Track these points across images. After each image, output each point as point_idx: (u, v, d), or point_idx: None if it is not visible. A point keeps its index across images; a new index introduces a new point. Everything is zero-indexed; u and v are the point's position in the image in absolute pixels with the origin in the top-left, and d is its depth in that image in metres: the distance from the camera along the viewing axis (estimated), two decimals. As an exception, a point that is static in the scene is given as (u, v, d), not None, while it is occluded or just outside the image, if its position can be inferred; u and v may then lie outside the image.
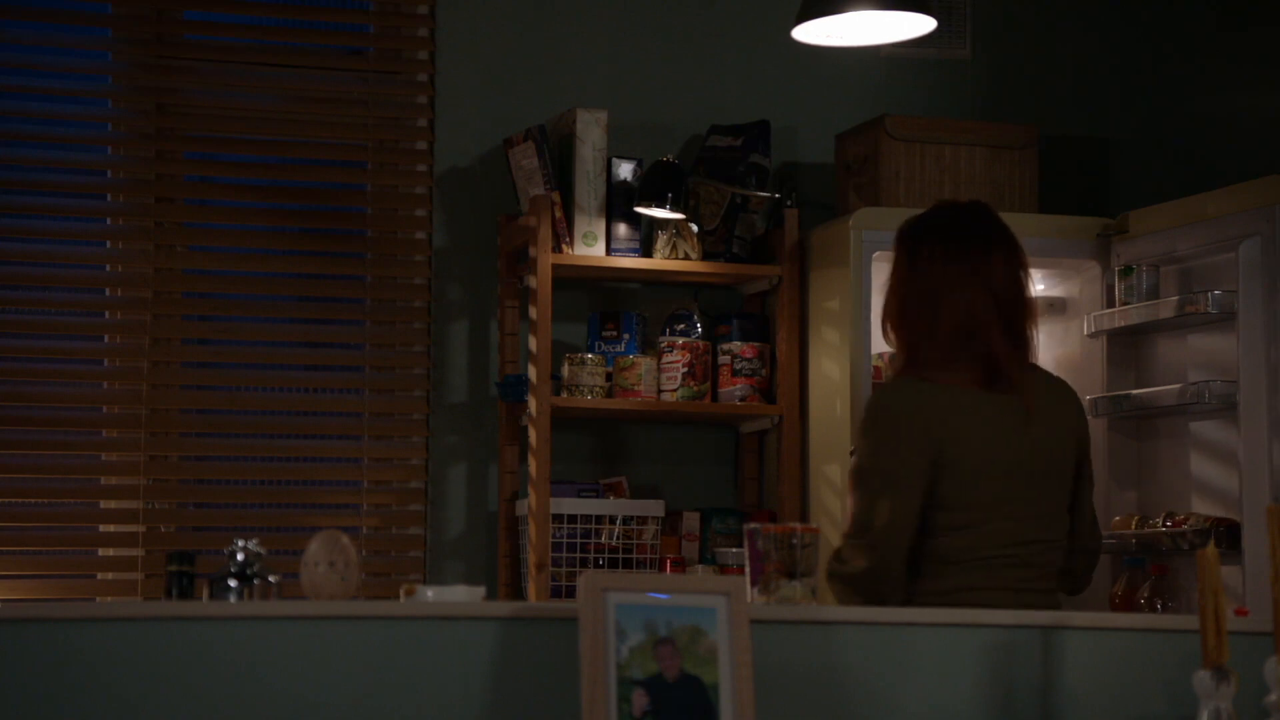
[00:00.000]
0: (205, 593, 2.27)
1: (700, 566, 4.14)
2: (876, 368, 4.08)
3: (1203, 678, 2.17)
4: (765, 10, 4.44)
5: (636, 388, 4.11)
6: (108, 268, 4.18)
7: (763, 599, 2.39)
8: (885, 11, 3.42)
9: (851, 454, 3.02)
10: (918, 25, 3.50)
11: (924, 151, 4.19)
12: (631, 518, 4.10)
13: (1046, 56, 4.70)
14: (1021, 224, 4.12)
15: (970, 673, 2.37)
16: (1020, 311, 2.94)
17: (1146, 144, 4.70)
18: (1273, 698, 2.19)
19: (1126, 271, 3.94)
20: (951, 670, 2.37)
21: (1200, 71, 4.61)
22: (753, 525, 2.47)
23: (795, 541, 2.40)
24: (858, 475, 2.89)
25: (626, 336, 4.20)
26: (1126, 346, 4.05)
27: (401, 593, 2.30)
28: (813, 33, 3.52)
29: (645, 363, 4.13)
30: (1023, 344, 2.94)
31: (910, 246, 2.99)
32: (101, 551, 4.08)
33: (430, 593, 2.27)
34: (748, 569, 2.43)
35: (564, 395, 4.07)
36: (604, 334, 4.21)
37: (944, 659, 2.37)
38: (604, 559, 4.06)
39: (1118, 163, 4.70)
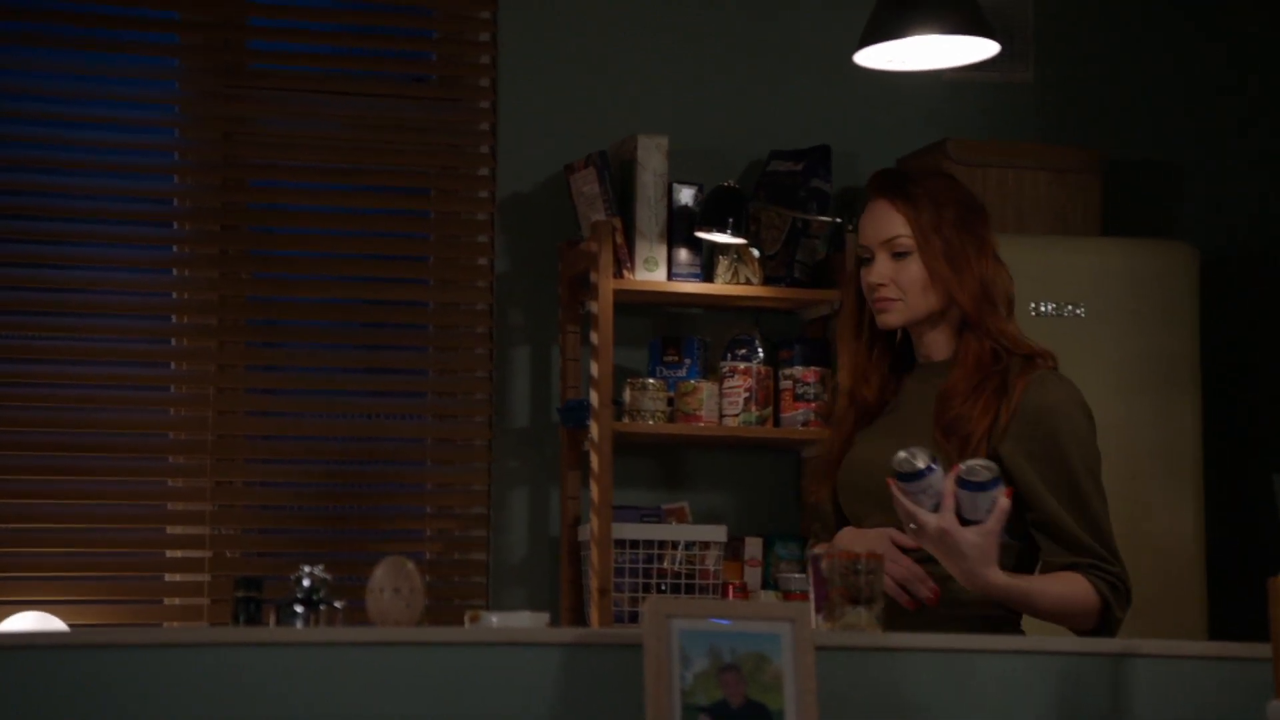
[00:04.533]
0: (272, 619, 2.29)
1: (763, 592, 4.13)
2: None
3: (1276, 707, 2.14)
4: (826, 35, 4.44)
5: (698, 413, 4.11)
6: (175, 295, 4.22)
7: (827, 625, 2.38)
8: (948, 36, 3.41)
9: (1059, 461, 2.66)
10: (981, 49, 3.49)
11: (986, 175, 4.18)
12: (694, 543, 4.10)
13: (1111, 79, 4.67)
14: (1085, 247, 4.13)
15: (1036, 701, 2.35)
16: None
17: (1214, 168, 4.66)
18: (1346, 727, 2.16)
19: None
20: (1017, 698, 2.35)
21: (1269, 94, 4.57)
22: (816, 551, 2.46)
23: (859, 567, 2.38)
24: (1095, 480, 2.67)
25: (688, 361, 4.20)
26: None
27: (466, 619, 2.31)
28: (875, 58, 3.51)
29: (707, 388, 4.13)
30: None
31: (987, 225, 2.79)
32: (168, 577, 4.11)
33: (495, 619, 2.28)
34: (811, 595, 2.42)
35: (626, 420, 4.08)
36: (665, 359, 4.21)
37: (1010, 687, 2.35)
38: (666, 585, 4.05)
39: (1185, 187, 4.67)
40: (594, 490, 4.00)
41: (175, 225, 4.25)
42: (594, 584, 3.96)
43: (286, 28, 4.37)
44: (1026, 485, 2.60)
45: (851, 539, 2.66)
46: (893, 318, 2.70)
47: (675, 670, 2.06)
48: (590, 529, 4.01)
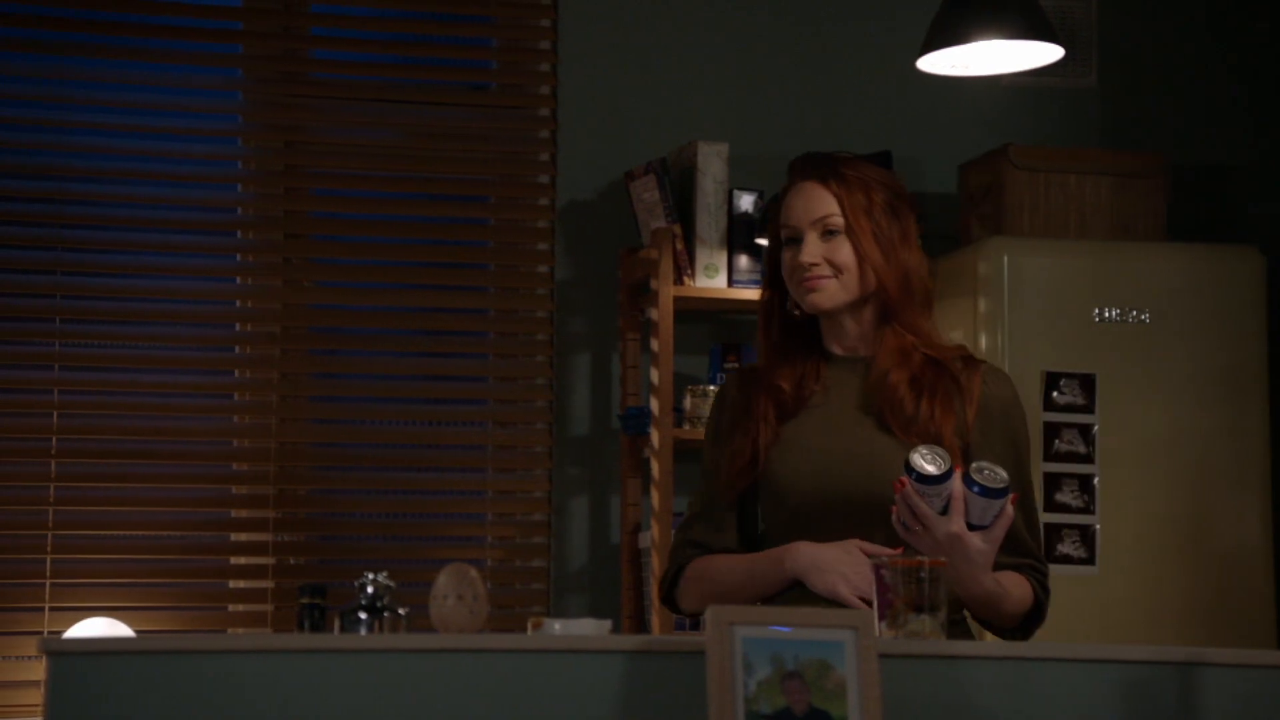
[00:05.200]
0: (336, 626, 2.30)
1: (824, 600, 4.11)
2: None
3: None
4: (887, 40, 4.43)
5: (759, 420, 4.10)
6: (238, 303, 4.25)
7: (890, 633, 2.36)
8: (1011, 41, 3.39)
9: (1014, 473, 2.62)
10: (1044, 54, 3.47)
11: (1049, 180, 4.16)
12: (755, 550, 4.08)
13: (1175, 83, 4.64)
14: (1149, 253, 4.11)
15: (1102, 711, 2.33)
16: None
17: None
18: None
19: None
20: (1083, 708, 2.33)
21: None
22: (879, 558, 2.44)
23: (923, 575, 2.36)
24: (1031, 479, 2.68)
25: (745, 365, 4.18)
26: None
27: (529, 625, 2.31)
28: (938, 63, 3.50)
29: (768, 395, 4.12)
30: None
31: (912, 215, 2.70)
32: (232, 584, 4.14)
33: (557, 626, 2.28)
34: (875, 602, 2.41)
35: (686, 427, 4.08)
36: (726, 366, 4.21)
37: (1075, 696, 2.33)
38: (727, 592, 4.04)
39: (1251, 191, 4.62)
40: (654, 497, 4.00)
41: (239, 234, 4.28)
42: (655, 591, 3.95)
43: (348, 37, 4.40)
44: None
45: (815, 553, 2.58)
46: (823, 298, 2.61)
47: (739, 678, 2.06)
48: (651, 536, 4.01)
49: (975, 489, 2.45)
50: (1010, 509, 2.45)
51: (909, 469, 2.44)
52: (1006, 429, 2.62)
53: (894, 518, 2.46)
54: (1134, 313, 3.99)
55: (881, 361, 2.62)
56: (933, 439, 2.56)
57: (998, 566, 2.58)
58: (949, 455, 2.45)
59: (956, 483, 2.44)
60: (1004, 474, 2.46)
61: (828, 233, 2.61)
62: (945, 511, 2.45)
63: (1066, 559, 3.88)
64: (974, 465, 2.47)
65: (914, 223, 2.67)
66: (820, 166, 2.64)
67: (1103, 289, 3.98)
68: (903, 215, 2.65)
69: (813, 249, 2.61)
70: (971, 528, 2.46)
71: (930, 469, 2.44)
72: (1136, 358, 3.98)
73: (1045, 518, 3.81)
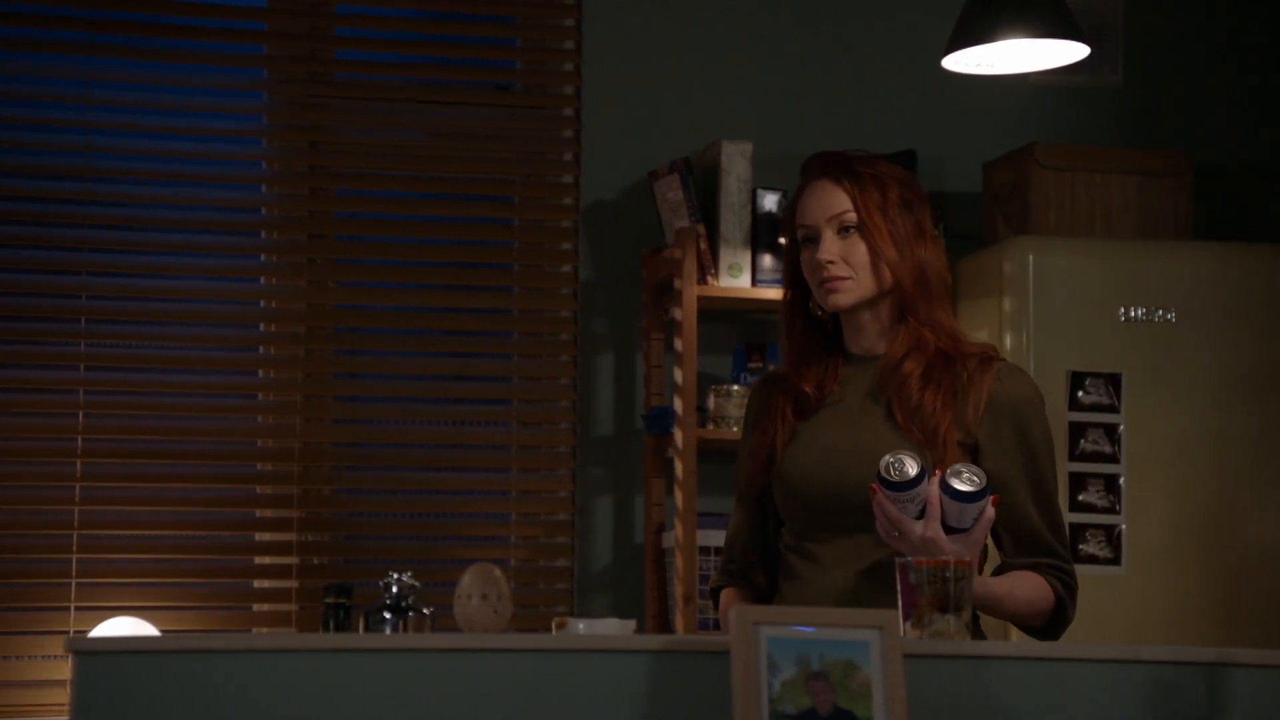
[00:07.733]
0: (361, 625, 2.30)
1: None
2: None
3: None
4: (912, 39, 4.42)
5: (783, 420, 4.09)
6: (262, 303, 4.26)
7: (915, 633, 2.36)
8: (1037, 40, 3.38)
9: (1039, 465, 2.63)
10: (1070, 53, 3.46)
11: (1074, 180, 4.14)
12: (779, 550, 4.08)
13: (1202, 81, 4.62)
14: (1176, 252, 4.09)
15: (1129, 711, 2.32)
16: None
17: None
18: None
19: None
20: (1109, 708, 2.32)
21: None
22: (905, 558, 2.43)
23: (948, 575, 2.36)
24: (1055, 475, 2.64)
25: (772, 368, 4.18)
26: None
27: (553, 625, 2.31)
28: (963, 62, 3.49)
29: (792, 395, 4.11)
30: None
31: (926, 209, 2.71)
32: (257, 583, 4.15)
33: (582, 625, 2.28)
34: (900, 603, 2.40)
35: (710, 427, 4.07)
36: (750, 365, 4.20)
37: (1101, 696, 2.32)
38: (752, 592, 4.03)
39: (1278, 190, 4.60)
40: (678, 497, 4.00)
41: (263, 234, 4.29)
42: (679, 591, 3.95)
43: (373, 37, 4.41)
44: (995, 477, 2.53)
45: None
46: (844, 298, 2.61)
47: (763, 678, 2.05)
48: (675, 536, 4.01)
49: (948, 493, 2.43)
50: (990, 511, 2.45)
51: (878, 476, 2.44)
52: (1017, 426, 2.60)
53: (877, 523, 2.47)
54: (1160, 312, 3.98)
55: (895, 352, 2.63)
56: (931, 431, 2.57)
57: (1011, 567, 2.59)
58: (919, 460, 2.45)
59: (932, 487, 2.44)
60: (982, 477, 2.45)
61: (843, 229, 2.61)
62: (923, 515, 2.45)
63: (1092, 559, 3.86)
64: (951, 469, 2.46)
65: (929, 216, 2.67)
66: (833, 164, 2.65)
67: (1128, 288, 3.97)
68: (917, 209, 2.65)
69: (830, 246, 2.61)
70: (951, 530, 2.45)
71: (902, 474, 2.43)
72: (1162, 357, 3.96)
73: (1071, 518, 3.80)
